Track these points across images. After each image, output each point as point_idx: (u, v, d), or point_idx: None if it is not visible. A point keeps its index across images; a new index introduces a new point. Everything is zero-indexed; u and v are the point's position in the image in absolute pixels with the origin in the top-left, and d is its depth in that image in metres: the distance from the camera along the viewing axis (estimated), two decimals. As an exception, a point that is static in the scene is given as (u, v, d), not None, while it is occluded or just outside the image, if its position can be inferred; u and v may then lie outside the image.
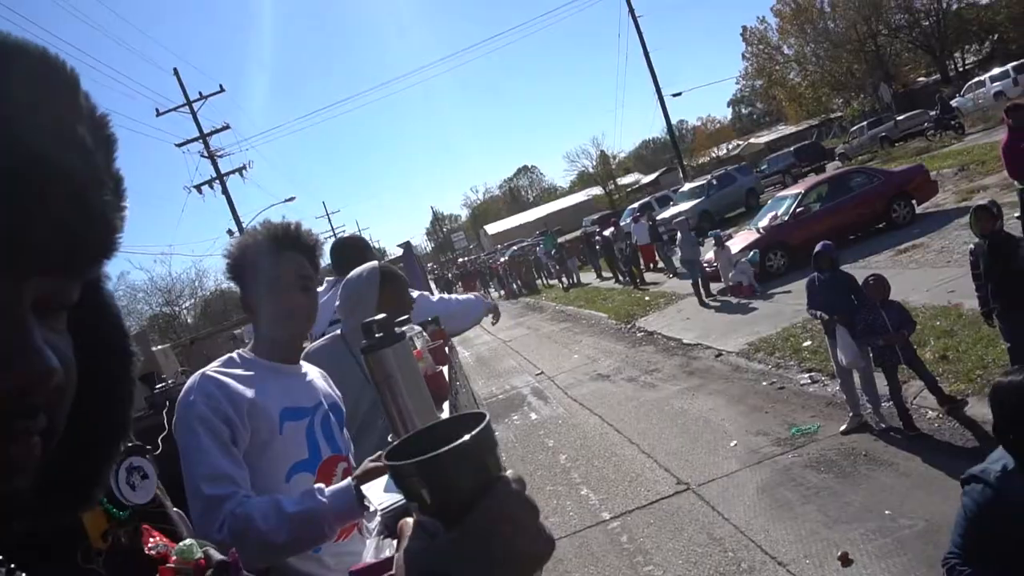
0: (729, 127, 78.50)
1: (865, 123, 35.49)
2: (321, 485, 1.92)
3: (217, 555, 1.22)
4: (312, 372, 2.32)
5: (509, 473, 0.72)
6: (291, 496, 1.88)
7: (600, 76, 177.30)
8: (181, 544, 1.22)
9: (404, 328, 2.28)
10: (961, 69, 53.73)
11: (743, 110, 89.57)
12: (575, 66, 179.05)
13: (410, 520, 0.74)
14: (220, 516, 1.80)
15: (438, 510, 0.70)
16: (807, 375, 8.38)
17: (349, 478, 1.90)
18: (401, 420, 2.05)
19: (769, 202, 17.16)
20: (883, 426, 6.43)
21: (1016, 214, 8.50)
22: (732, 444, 7.21)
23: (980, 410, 6.09)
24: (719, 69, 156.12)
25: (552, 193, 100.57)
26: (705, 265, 14.61)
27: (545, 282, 30.24)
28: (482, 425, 0.70)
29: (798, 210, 14.68)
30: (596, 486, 7.30)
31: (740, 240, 15.06)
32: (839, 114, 58.15)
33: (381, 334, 2.06)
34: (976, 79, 38.03)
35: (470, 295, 5.25)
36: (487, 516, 0.68)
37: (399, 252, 9.88)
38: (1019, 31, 52.76)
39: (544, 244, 31.21)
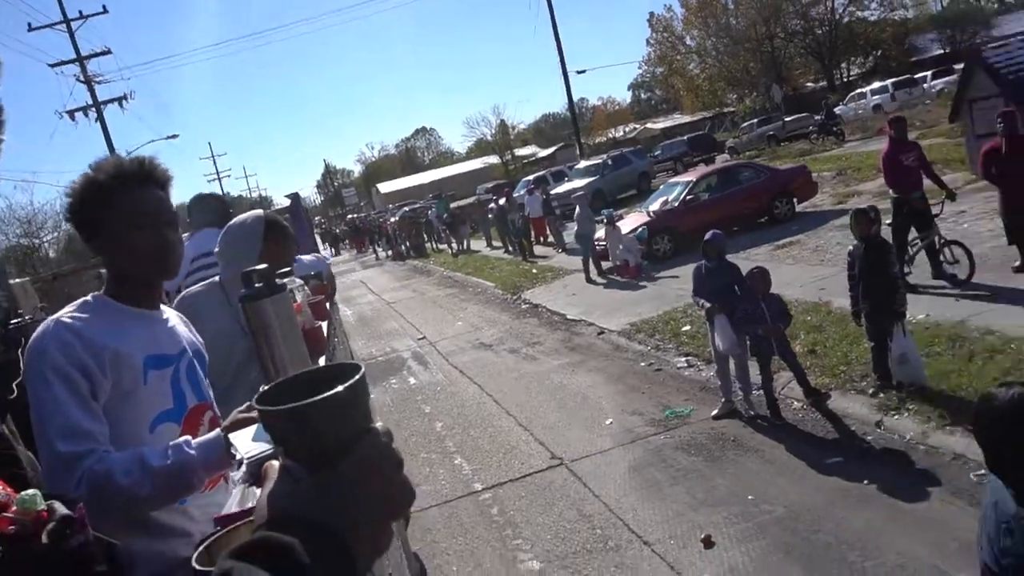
0: (627, 110, 79.61)
1: (755, 120, 36.79)
2: (188, 437, 1.86)
3: (62, 509, 1.16)
4: (173, 317, 2.20)
5: (378, 425, 0.75)
6: (156, 448, 1.81)
7: (507, 45, 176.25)
8: (24, 494, 1.15)
9: (285, 281, 2.20)
10: (846, 79, 56.40)
11: (642, 95, 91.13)
12: (483, 32, 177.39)
13: (275, 464, 0.75)
14: (77, 473, 1.70)
15: (305, 456, 0.71)
16: (684, 359, 8.55)
17: (218, 429, 1.85)
18: (275, 372, 2.00)
19: (661, 187, 17.49)
20: (752, 413, 6.61)
21: (888, 221, 8.89)
22: (608, 422, 7.27)
23: (841, 404, 6.35)
24: (624, 52, 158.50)
25: (448, 157, 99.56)
26: (596, 243, 14.72)
27: (435, 246, 29.92)
28: (356, 377, 0.72)
29: (688, 197, 15.00)
30: (470, 456, 7.21)
31: (631, 221, 15.26)
32: (732, 109, 60.07)
33: (261, 284, 2.00)
34: (858, 90, 40.08)
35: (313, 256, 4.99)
36: (354, 465, 0.70)
37: (286, 203, 9.42)
38: (900, 50, 55.90)
39: (437, 207, 30.85)
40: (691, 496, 5.49)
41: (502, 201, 22.52)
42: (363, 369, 0.75)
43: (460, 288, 18.83)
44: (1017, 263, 8.35)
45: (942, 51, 56.88)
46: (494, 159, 65.05)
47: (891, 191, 8.80)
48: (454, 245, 26.33)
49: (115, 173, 1.94)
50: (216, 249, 3.05)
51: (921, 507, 4.70)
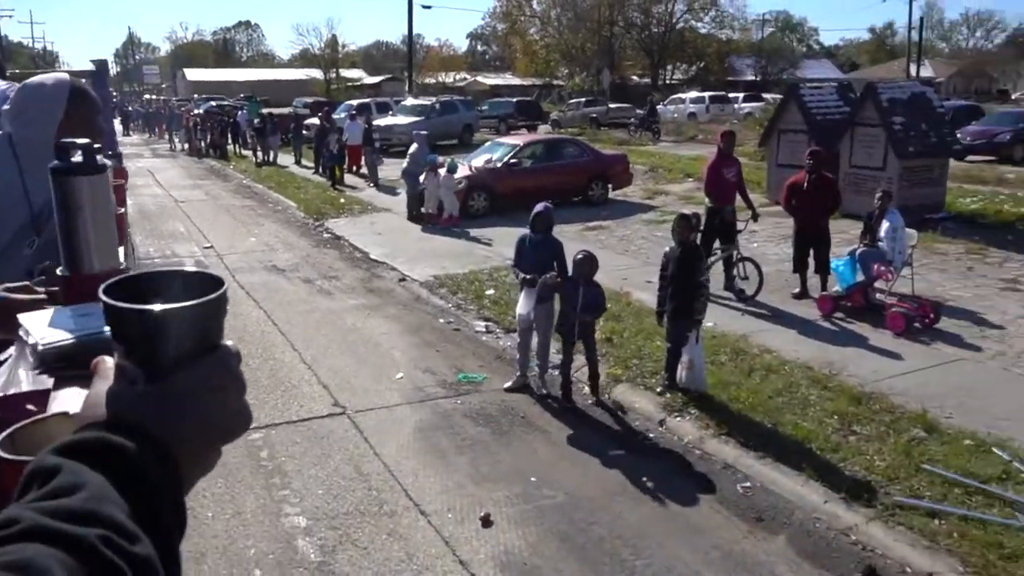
0: (462, 58, 78.70)
1: (583, 100, 37.62)
2: None
3: None
4: None
5: (229, 344, 0.72)
6: None
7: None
8: None
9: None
10: (668, 81, 59.27)
11: (479, 47, 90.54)
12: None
13: (108, 361, 0.72)
14: None
15: (148, 361, 0.68)
16: (484, 323, 8.40)
17: None
18: (78, 255, 1.86)
19: (487, 144, 17.25)
20: (544, 391, 6.57)
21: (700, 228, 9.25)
22: (398, 376, 6.96)
23: (629, 397, 6.47)
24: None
25: (269, 60, 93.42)
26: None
27: (238, 151, 27.82)
28: (221, 290, 0.71)
29: (512, 161, 14.88)
30: (245, 388, 6.63)
31: (435, 174, 14.88)
32: (561, 83, 61.19)
33: (81, 159, 1.81)
34: (678, 95, 42.17)
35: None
36: (196, 378, 0.68)
37: (81, 67, 8.10)
38: (720, 66, 59.62)
39: (248, 109, 28.70)
40: (474, 469, 5.33)
41: (321, 120, 21.30)
42: (226, 285, 0.72)
43: (259, 201, 17.60)
44: (797, 290, 8.98)
45: (754, 78, 61.38)
46: (318, 74, 61.86)
47: (707, 200, 9.12)
48: (259, 154, 24.61)
49: None
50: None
51: (692, 511, 4.83)
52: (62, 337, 1.46)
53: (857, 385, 6.29)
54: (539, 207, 6.64)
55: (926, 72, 55.67)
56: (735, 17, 59.26)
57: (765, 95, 41.45)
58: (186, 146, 30.47)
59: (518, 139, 16.90)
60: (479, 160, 15.09)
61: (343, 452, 5.55)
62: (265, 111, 27.34)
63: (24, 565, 0.52)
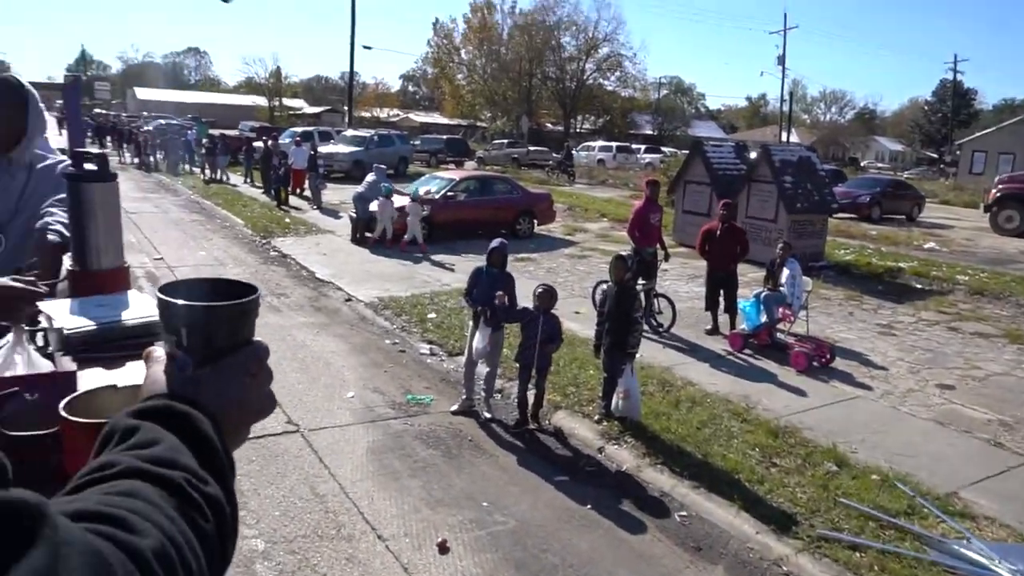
0: (395, 96, 77.85)
1: (505, 141, 37.63)
2: None
3: None
4: None
5: (260, 340, 0.79)
6: None
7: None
8: None
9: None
10: (578, 130, 60.11)
11: (410, 87, 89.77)
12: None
13: (159, 349, 0.77)
14: None
15: (198, 350, 0.74)
16: (428, 346, 7.99)
17: None
18: (87, 253, 1.87)
19: (425, 177, 16.80)
20: (488, 416, 6.23)
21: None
22: (350, 395, 6.48)
23: (569, 423, 6.18)
24: (406, 42, 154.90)
25: (215, 85, 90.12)
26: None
27: (188, 168, 26.40)
28: (256, 294, 0.78)
29: (449, 194, 14.52)
30: (198, 403, 6.03)
31: (396, 201, 14.40)
32: (484, 125, 61.24)
33: (96, 168, 1.87)
34: (588, 143, 42.76)
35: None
36: (236, 365, 0.75)
37: (59, 82, 7.30)
38: (623, 121, 60.91)
39: (197, 130, 27.37)
40: (428, 492, 4.92)
41: (268, 144, 20.43)
42: (259, 291, 0.79)
43: (207, 217, 16.62)
44: (709, 326, 8.95)
45: (651, 132, 63.03)
46: (262, 101, 59.99)
47: (633, 242, 9.00)
48: (207, 172, 23.40)
49: None
50: None
51: (637, 539, 4.57)
52: (85, 324, 1.49)
53: (773, 419, 6.20)
54: (496, 242, 6.33)
55: (793, 138, 58.34)
56: (636, 78, 60.70)
57: (663, 148, 42.54)
58: (136, 160, 28.77)
59: (454, 174, 16.55)
60: (419, 191, 14.63)
61: (298, 472, 5.05)
62: (216, 132, 26.13)
63: (133, 492, 0.59)
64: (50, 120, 2.87)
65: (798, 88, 79.26)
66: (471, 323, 6.35)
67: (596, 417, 6.16)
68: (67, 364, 1.42)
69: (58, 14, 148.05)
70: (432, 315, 8.95)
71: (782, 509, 4.80)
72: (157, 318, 0.78)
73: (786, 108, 59.64)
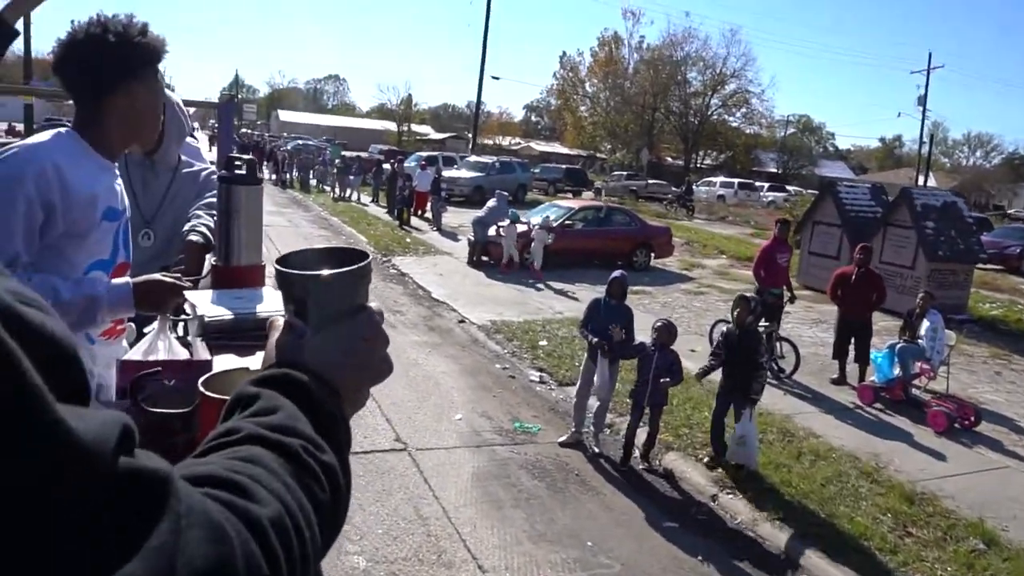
0: (518, 125, 79.34)
1: (624, 173, 37.32)
2: (104, 278, 1.82)
3: None
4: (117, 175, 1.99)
5: (374, 305, 0.80)
6: (69, 282, 1.71)
7: (436, 28, 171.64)
8: None
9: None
10: (699, 165, 58.88)
11: (533, 117, 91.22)
12: (416, 9, 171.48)
13: (279, 320, 0.79)
14: None
15: (315, 317, 0.75)
16: (538, 373, 7.88)
17: (128, 278, 1.84)
18: (231, 250, 1.96)
19: (544, 204, 16.84)
20: (596, 451, 6.01)
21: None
22: (457, 417, 6.45)
23: (681, 466, 5.87)
24: (532, 74, 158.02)
25: (350, 110, 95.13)
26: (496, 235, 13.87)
27: (320, 186, 27.81)
28: (367, 260, 0.80)
29: (567, 222, 14.46)
30: (313, 412, 6.16)
31: (514, 228, 14.49)
32: (603, 156, 61.16)
33: (245, 172, 1.97)
34: (709, 178, 41.74)
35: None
36: (352, 331, 0.76)
37: (215, 101, 7.93)
38: (746, 157, 59.15)
39: (332, 151, 28.83)
40: (531, 525, 4.76)
41: (395, 166, 21.21)
42: (370, 257, 0.82)
43: (334, 233, 17.35)
44: (835, 376, 8.35)
45: (775, 170, 60.88)
46: (392, 126, 62.65)
47: (757, 281, 8.57)
48: (337, 190, 24.51)
49: (161, 43, 1.79)
50: None
51: (751, 602, 4.22)
52: (223, 313, 1.60)
53: (907, 482, 5.64)
54: (617, 273, 6.17)
55: (931, 182, 54.70)
56: (763, 115, 58.89)
57: (788, 187, 40.93)
58: (273, 177, 30.61)
59: (573, 203, 16.48)
60: (537, 219, 14.64)
61: (404, 491, 5.02)
62: (352, 154, 27.46)
63: (253, 458, 0.60)
64: (202, 138, 3.12)
65: (939, 130, 74.49)
66: (586, 355, 6.18)
67: (706, 460, 5.82)
68: (203, 352, 1.53)
69: (216, 42, 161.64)
70: (543, 342, 8.84)
71: (919, 586, 4.31)
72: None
73: (925, 151, 56.07)
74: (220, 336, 1.58)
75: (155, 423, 1.26)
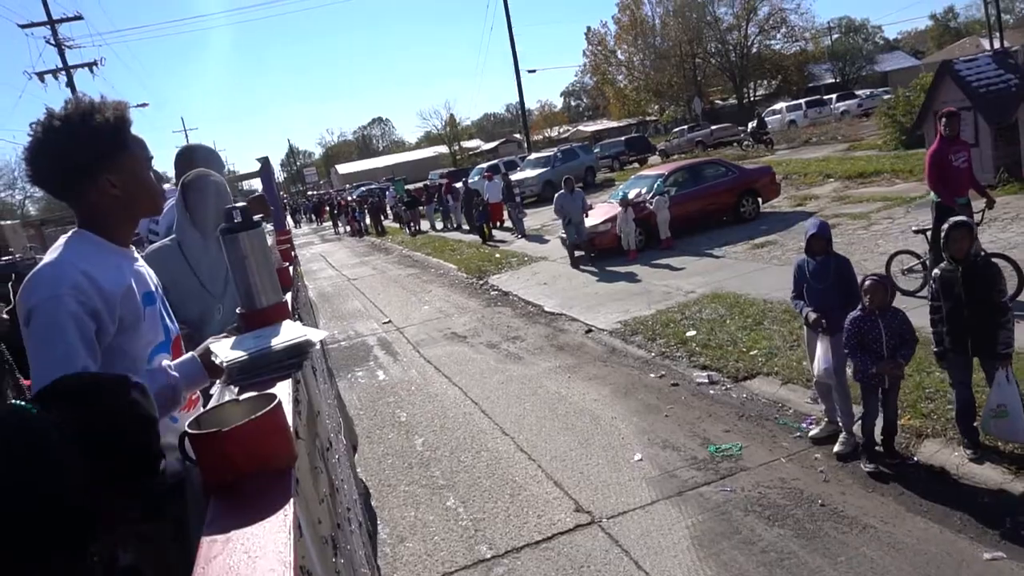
0: (561, 113, 77.48)
1: (685, 127, 35.05)
2: (167, 362, 1.82)
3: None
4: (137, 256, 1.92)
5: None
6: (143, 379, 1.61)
7: (459, 43, 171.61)
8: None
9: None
10: (752, 99, 55.39)
11: (572, 101, 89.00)
12: (437, 31, 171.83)
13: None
14: None
15: None
16: (703, 373, 6.41)
17: (192, 352, 1.86)
18: (251, 295, 1.97)
19: (631, 179, 15.25)
20: (843, 450, 4.53)
21: (928, 227, 6.95)
22: (637, 458, 5.07)
23: (946, 458, 4.29)
24: (563, 59, 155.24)
25: (400, 145, 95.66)
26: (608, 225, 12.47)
27: (394, 226, 27.12)
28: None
29: (664, 190, 12.85)
30: (467, 496, 4.92)
31: (600, 213, 13.02)
32: (654, 118, 58.58)
33: (239, 220, 1.96)
34: (774, 107, 38.78)
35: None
36: None
37: (253, 168, 7.14)
38: (799, 76, 55.34)
39: (396, 188, 28.11)
40: (805, 604, 3.34)
41: (467, 184, 20.25)
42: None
43: (421, 268, 16.33)
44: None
45: (833, 80, 56.65)
46: (442, 149, 62.14)
47: (933, 195, 6.82)
48: (412, 225, 23.68)
49: (121, 115, 1.70)
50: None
51: None
52: (238, 355, 1.59)
53: None
54: (811, 226, 4.67)
55: (1005, 44, 49.30)
56: (804, 28, 54.83)
57: (857, 92, 37.63)
58: (348, 228, 30.19)
59: (661, 169, 14.82)
60: (630, 194, 13.06)
61: (616, 588, 3.69)
62: (420, 185, 26.78)
63: None
64: None
65: (994, -13, 67.53)
66: (804, 332, 4.73)
67: (964, 443, 4.24)
68: (224, 396, 1.59)
69: (265, 111, 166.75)
70: (691, 332, 7.35)
71: None
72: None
73: (990, 12, 50.60)
74: (243, 375, 1.55)
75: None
